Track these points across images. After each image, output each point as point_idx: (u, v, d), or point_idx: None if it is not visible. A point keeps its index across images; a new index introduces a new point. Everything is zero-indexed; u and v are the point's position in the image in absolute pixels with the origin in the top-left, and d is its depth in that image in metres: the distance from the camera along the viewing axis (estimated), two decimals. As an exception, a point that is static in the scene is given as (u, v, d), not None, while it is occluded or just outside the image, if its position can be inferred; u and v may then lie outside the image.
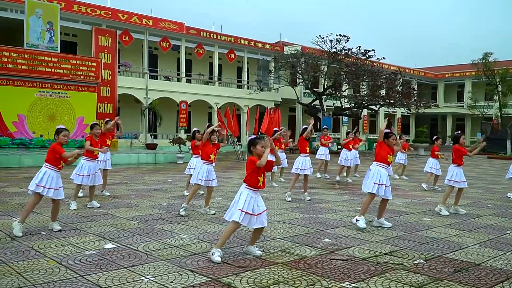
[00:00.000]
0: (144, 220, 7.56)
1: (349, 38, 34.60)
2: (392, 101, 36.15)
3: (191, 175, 9.48)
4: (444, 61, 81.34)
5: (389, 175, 7.47)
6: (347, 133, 13.93)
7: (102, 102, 27.66)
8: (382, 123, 47.05)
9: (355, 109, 38.61)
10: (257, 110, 26.62)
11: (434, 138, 14.10)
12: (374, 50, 35.52)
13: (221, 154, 28.87)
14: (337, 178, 14.94)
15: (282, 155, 13.68)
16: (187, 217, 7.91)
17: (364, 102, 36.86)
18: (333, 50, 35.08)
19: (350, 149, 15.39)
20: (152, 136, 31.15)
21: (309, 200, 10.23)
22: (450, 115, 51.81)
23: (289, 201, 10.06)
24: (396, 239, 6.54)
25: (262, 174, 5.45)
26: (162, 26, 31.67)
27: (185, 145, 24.40)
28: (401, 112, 50.04)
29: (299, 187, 11.60)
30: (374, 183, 7.21)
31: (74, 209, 8.42)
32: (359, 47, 35.18)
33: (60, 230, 6.62)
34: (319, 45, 35.15)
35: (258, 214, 5.34)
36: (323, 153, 15.65)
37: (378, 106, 37.82)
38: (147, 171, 17.43)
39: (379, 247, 6.07)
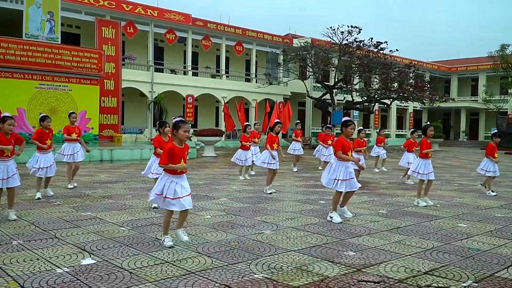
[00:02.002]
0: (136, 226, 6.54)
1: (361, 29, 33.35)
2: (405, 95, 34.86)
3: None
4: (457, 54, 79.61)
5: None
6: (359, 131, 13.04)
7: (105, 95, 26.69)
8: (394, 117, 45.90)
9: (367, 103, 37.39)
10: (266, 104, 25.56)
11: (411, 132, 14.38)
12: (386, 42, 34.29)
13: (229, 149, 27.86)
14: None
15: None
16: (185, 222, 6.87)
17: (376, 96, 35.61)
18: (344, 42, 33.85)
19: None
20: (158, 131, 30.17)
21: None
22: (464, 109, 50.40)
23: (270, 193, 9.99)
24: (433, 252, 5.47)
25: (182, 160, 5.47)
26: (168, 17, 30.66)
27: (190, 140, 23.39)
28: (413, 107, 48.75)
29: (303, 185, 10.55)
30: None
31: (39, 198, 8.62)
32: (371, 38, 33.96)
33: (15, 220, 6.65)
34: (329, 37, 33.92)
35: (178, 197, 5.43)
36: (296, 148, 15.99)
37: (390, 100, 36.58)
38: (150, 167, 16.40)
39: (416, 263, 5.01)
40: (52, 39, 22.66)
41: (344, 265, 4.86)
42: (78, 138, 10.46)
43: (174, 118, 5.62)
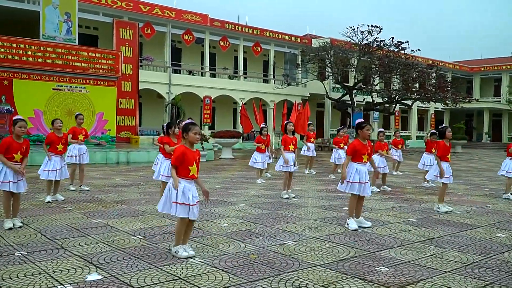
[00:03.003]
0: (148, 235, 6.11)
1: (381, 29, 32.67)
2: (427, 95, 34.01)
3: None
4: (480, 54, 78.08)
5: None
6: (379, 133, 12.60)
7: (123, 97, 26.45)
8: (415, 119, 44.98)
9: (387, 104, 36.62)
10: (285, 105, 25.03)
11: (430, 133, 13.55)
12: (408, 41, 33.53)
13: (247, 151, 27.40)
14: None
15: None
16: (201, 231, 6.43)
17: (397, 97, 34.82)
18: (364, 42, 33.18)
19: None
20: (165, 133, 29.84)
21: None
22: (486, 110, 49.13)
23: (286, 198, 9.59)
24: (475, 267, 4.92)
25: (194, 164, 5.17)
26: (185, 18, 30.34)
27: (208, 142, 23.03)
28: (435, 108, 47.76)
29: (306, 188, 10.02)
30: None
31: (48, 202, 8.46)
32: (392, 38, 33.22)
33: (20, 227, 6.35)
34: (349, 37, 33.31)
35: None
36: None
37: (412, 101, 35.75)
38: (166, 170, 16.03)
39: (457, 280, 4.47)
40: (69, 40, 22.49)
41: (377, 283, 4.34)
42: (85, 140, 10.42)
43: (179, 121, 5.33)
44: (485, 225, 7.24)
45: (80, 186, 10.36)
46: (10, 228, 6.22)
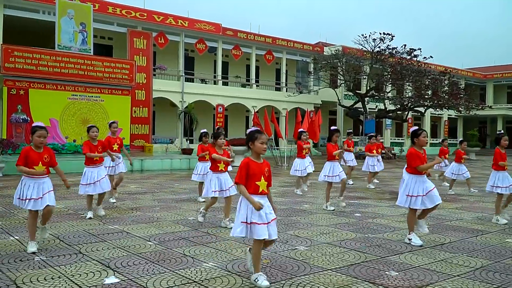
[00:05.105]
0: (163, 241, 6.26)
1: (394, 36, 32.73)
2: (440, 102, 33.93)
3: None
4: (493, 61, 77.57)
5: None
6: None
7: (137, 106, 26.80)
8: (428, 126, 44.73)
9: (400, 112, 36.56)
10: (297, 112, 25.15)
11: (459, 142, 13.31)
12: (420, 49, 33.52)
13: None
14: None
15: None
16: (214, 237, 6.57)
17: (409, 104, 34.78)
18: (376, 49, 33.26)
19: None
20: (188, 141, 30.13)
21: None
22: (500, 117, 48.74)
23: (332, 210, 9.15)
24: (484, 272, 4.99)
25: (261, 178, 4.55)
26: (198, 27, 30.67)
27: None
28: (448, 115, 47.54)
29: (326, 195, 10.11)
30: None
31: (90, 218, 7.79)
32: (404, 45, 33.25)
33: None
34: (361, 45, 33.40)
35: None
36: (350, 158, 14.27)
37: (424, 108, 35.67)
38: (179, 177, 16.25)
39: (465, 284, 4.55)
40: (84, 50, 22.87)
41: (387, 287, 4.44)
42: (120, 149, 9.83)
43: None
44: (495, 231, 7.28)
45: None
46: (34, 252, 5.54)
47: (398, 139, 44.25)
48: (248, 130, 4.75)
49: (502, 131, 8.79)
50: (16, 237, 6.36)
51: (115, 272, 4.77)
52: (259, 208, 4.31)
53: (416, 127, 6.60)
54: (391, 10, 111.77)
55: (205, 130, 9.64)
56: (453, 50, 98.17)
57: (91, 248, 5.82)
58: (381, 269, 5.03)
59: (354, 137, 14.96)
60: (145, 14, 28.45)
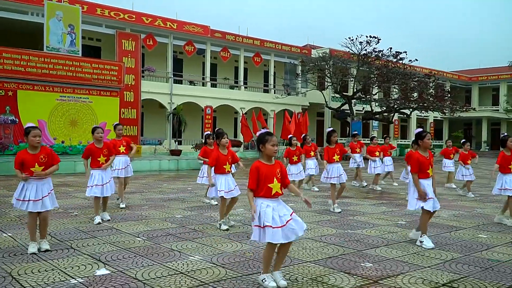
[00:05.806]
0: (151, 237, 6.53)
1: (380, 39, 33.22)
2: (425, 104, 34.51)
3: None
4: (478, 63, 78.64)
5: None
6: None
7: (125, 107, 26.90)
8: (414, 128, 45.31)
9: (386, 113, 37.09)
10: (285, 114, 25.50)
11: (461, 142, 13.36)
12: (406, 52, 34.08)
13: (248, 160, 27.83)
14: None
15: (313, 162, 12.68)
16: (201, 233, 6.86)
17: (395, 106, 35.32)
18: (363, 52, 33.74)
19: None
20: (176, 142, 30.33)
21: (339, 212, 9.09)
22: (485, 119, 49.60)
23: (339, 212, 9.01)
24: (453, 263, 5.34)
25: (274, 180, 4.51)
26: (187, 29, 30.91)
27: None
28: (434, 117, 48.22)
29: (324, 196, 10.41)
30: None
31: (99, 223, 7.45)
32: (390, 48, 33.77)
33: (46, 250, 5.62)
34: (348, 47, 33.86)
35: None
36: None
37: (410, 110, 36.23)
38: (168, 178, 16.50)
39: (434, 274, 4.88)
40: (73, 51, 22.99)
41: (360, 276, 4.76)
42: (127, 151, 9.78)
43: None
44: (469, 227, 7.65)
45: (117, 199, 9.60)
46: (34, 253, 5.49)
47: (403, 141, 44.80)
48: (258, 133, 4.70)
49: (506, 133, 8.75)
50: (9, 234, 6.59)
51: (106, 265, 5.05)
52: (252, 215, 4.37)
53: (421, 129, 6.52)
54: (380, 15, 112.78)
55: (208, 132, 9.96)
56: (441, 53, 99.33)
57: (82, 243, 6.07)
58: (357, 261, 5.36)
59: (341, 138, 15.02)
60: (134, 16, 28.66)
